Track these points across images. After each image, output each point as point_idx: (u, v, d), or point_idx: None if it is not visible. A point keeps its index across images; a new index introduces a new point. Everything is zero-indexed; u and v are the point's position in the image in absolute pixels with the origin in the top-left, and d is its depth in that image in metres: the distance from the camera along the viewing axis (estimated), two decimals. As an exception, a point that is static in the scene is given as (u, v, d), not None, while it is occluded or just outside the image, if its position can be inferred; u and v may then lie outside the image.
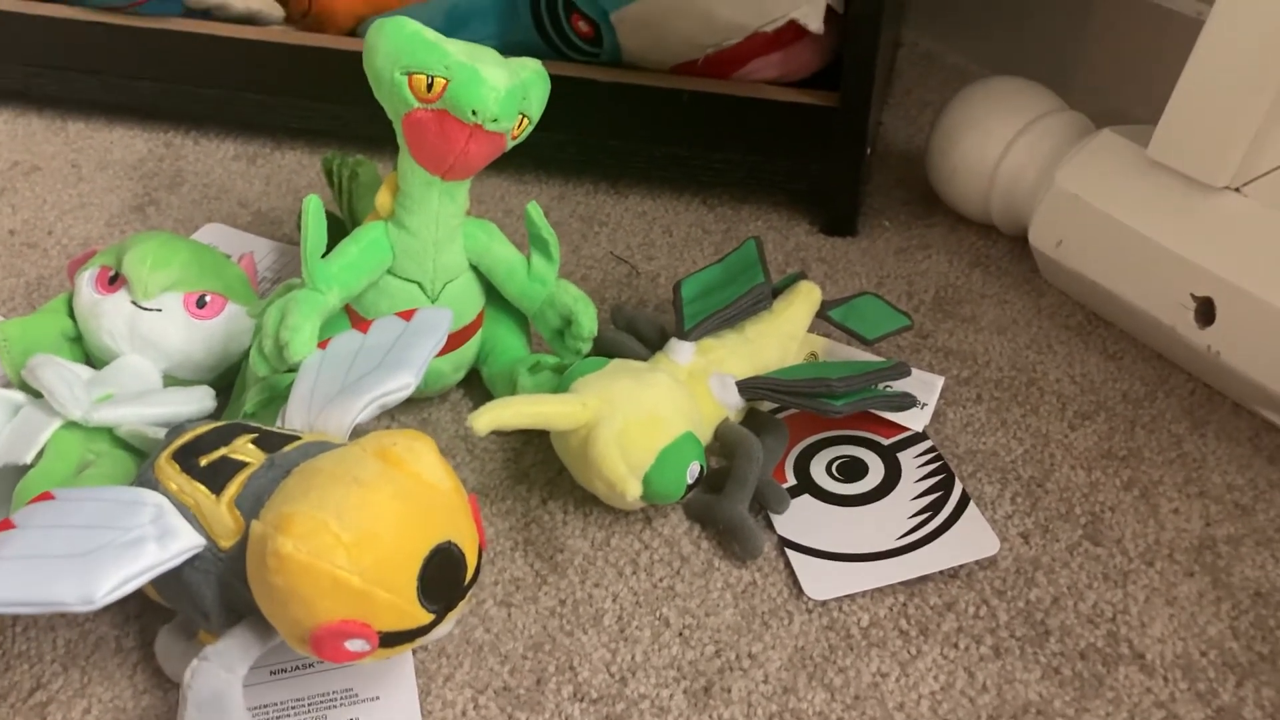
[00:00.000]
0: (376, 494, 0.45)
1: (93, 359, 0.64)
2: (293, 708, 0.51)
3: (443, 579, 0.46)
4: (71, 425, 0.57)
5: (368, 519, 0.44)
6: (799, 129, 0.82)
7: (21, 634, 0.54)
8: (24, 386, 0.60)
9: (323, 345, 0.57)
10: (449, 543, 0.46)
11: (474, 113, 0.57)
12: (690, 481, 0.58)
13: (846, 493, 0.62)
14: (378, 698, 0.52)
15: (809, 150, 0.82)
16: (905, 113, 1.03)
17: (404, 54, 0.58)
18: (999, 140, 0.79)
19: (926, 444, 0.65)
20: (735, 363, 0.64)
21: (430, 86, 0.57)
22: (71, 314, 0.64)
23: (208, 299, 0.63)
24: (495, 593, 0.57)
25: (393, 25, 0.58)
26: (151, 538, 0.47)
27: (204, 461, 0.50)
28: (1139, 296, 0.70)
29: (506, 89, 0.58)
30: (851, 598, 0.57)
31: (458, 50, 0.58)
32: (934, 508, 0.61)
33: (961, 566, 0.59)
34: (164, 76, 0.91)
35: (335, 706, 0.51)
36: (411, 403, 0.68)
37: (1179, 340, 0.69)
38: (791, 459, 0.65)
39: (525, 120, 0.61)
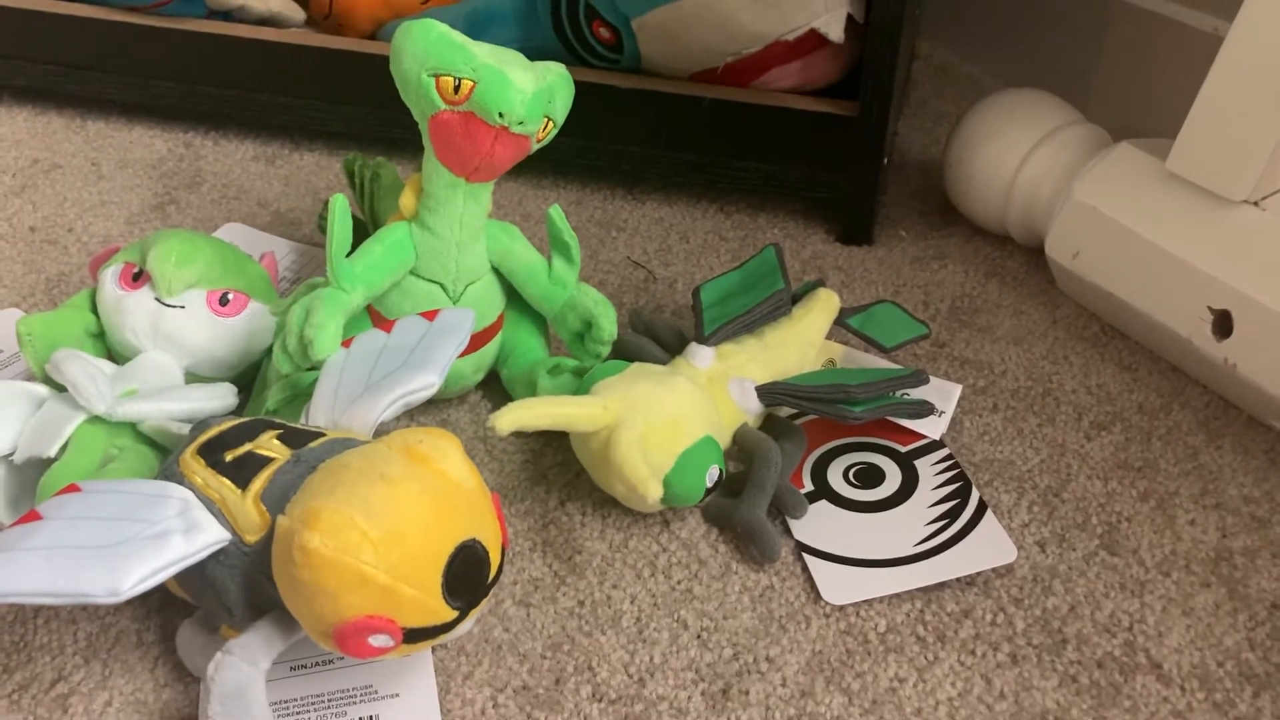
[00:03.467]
0: (403, 491, 0.45)
1: (115, 355, 0.64)
2: (313, 703, 0.51)
3: (467, 576, 0.47)
4: (95, 420, 0.57)
5: (394, 515, 0.45)
6: (817, 138, 0.82)
7: (43, 626, 0.55)
8: (47, 380, 0.61)
9: (346, 344, 0.58)
10: (473, 540, 0.47)
11: (500, 115, 0.58)
12: (709, 485, 0.59)
13: (864, 499, 0.63)
14: (397, 695, 0.52)
15: (827, 159, 0.82)
16: (921, 124, 1.03)
17: (431, 56, 0.58)
18: (1017, 151, 0.79)
19: (943, 452, 0.66)
20: (754, 368, 0.65)
21: (457, 88, 0.58)
22: (94, 310, 0.64)
23: (230, 297, 0.64)
24: (514, 592, 0.57)
25: (420, 28, 0.59)
26: (178, 531, 0.47)
27: (229, 456, 0.50)
28: (1156, 308, 0.71)
29: (533, 92, 0.58)
30: (869, 603, 0.57)
31: (484, 53, 0.58)
32: (951, 515, 0.61)
33: (978, 574, 0.59)
34: (184, 77, 0.92)
35: (355, 703, 0.51)
36: (431, 404, 0.68)
37: (1195, 352, 0.69)
38: (809, 465, 0.65)
39: (550, 123, 0.61)
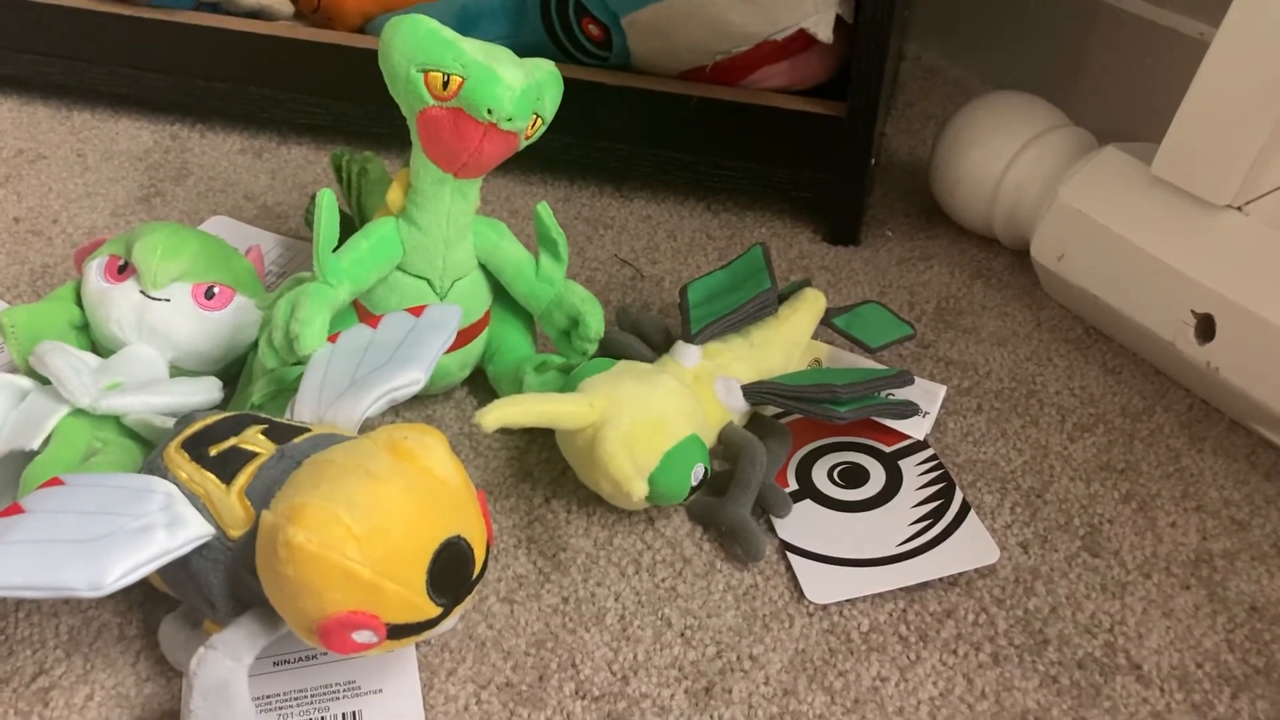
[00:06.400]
0: (388, 487, 0.45)
1: (99, 347, 0.64)
2: (295, 699, 0.51)
3: (451, 573, 0.47)
4: (78, 413, 0.57)
5: (379, 512, 0.45)
6: (805, 138, 0.82)
7: (24, 619, 0.54)
8: (31, 373, 0.60)
9: (332, 339, 0.58)
10: (458, 537, 0.47)
11: (489, 111, 0.58)
12: (694, 483, 0.59)
13: (848, 499, 0.63)
14: (380, 690, 0.52)
15: (814, 159, 0.83)
16: (908, 125, 1.03)
17: (420, 51, 0.58)
18: (1003, 154, 0.80)
19: (928, 452, 0.66)
20: (740, 367, 0.65)
21: (446, 84, 0.58)
22: (79, 302, 0.64)
23: (216, 290, 0.63)
24: (498, 589, 0.57)
25: (409, 23, 0.59)
26: (161, 525, 0.47)
27: (214, 451, 0.50)
28: (1139, 311, 0.71)
29: (522, 89, 0.58)
30: (852, 602, 0.57)
31: (474, 49, 0.58)
32: (934, 515, 0.62)
33: (961, 574, 0.59)
34: (172, 69, 0.91)
35: (338, 698, 0.51)
36: (416, 400, 0.68)
37: (1178, 356, 0.70)
38: (794, 464, 0.65)
39: (539, 120, 0.61)
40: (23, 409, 0.58)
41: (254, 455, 0.49)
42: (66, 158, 0.90)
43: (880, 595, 0.58)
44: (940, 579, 0.59)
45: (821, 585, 0.58)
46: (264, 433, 0.51)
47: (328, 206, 0.59)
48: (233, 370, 0.66)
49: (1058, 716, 0.52)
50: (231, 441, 0.50)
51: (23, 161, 0.89)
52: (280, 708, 0.51)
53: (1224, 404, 0.70)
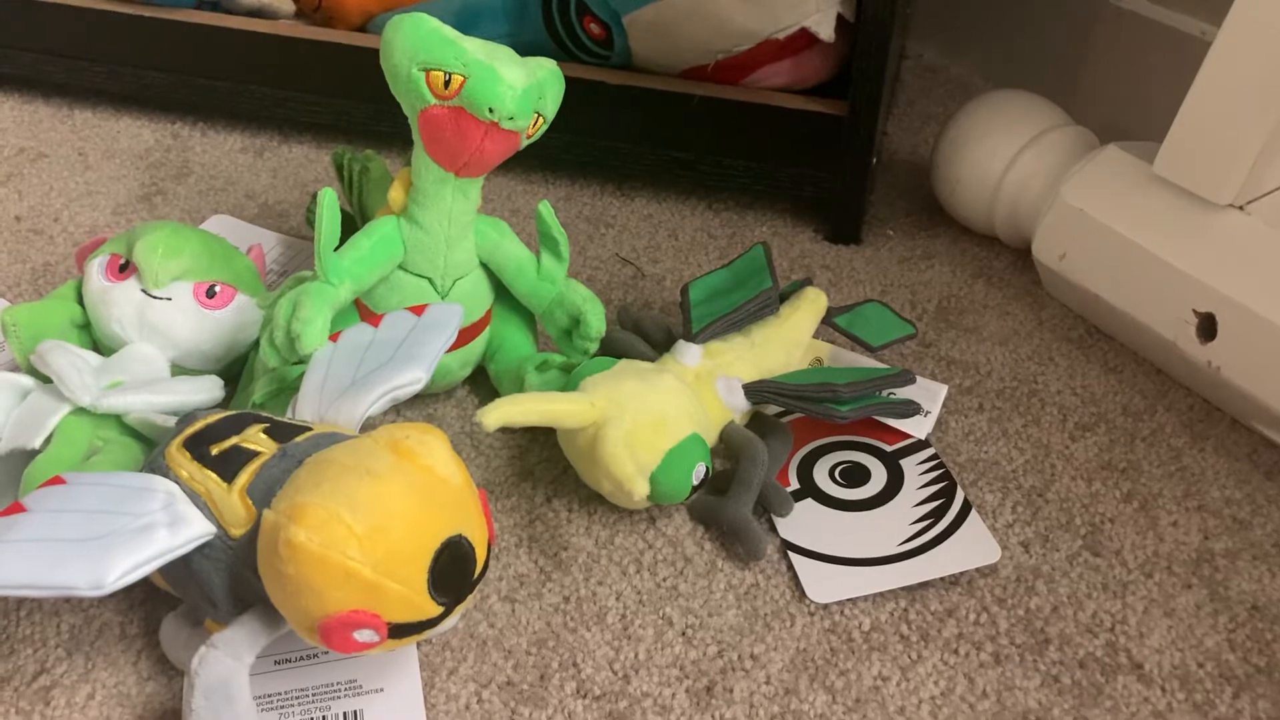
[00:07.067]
0: (389, 486, 0.45)
1: (100, 346, 0.64)
2: (297, 698, 0.51)
3: (452, 572, 0.47)
4: (80, 411, 0.57)
5: (380, 511, 0.45)
6: (807, 136, 0.82)
7: (26, 618, 0.54)
8: (32, 371, 0.60)
9: (334, 338, 0.58)
10: (459, 536, 0.47)
11: (490, 110, 0.58)
12: (695, 483, 0.59)
13: (849, 498, 0.63)
14: (382, 689, 0.52)
15: (816, 158, 0.83)
16: (909, 124, 1.03)
17: (422, 50, 0.58)
18: (1004, 153, 0.80)
19: (929, 451, 0.66)
20: (741, 366, 0.65)
21: (447, 83, 0.58)
22: (80, 300, 0.64)
23: (217, 289, 0.63)
24: (500, 588, 0.57)
25: (411, 21, 0.59)
26: (162, 524, 0.47)
27: (215, 450, 0.50)
28: (1141, 311, 0.71)
29: (523, 88, 0.58)
30: (853, 602, 0.57)
31: (475, 48, 0.58)
32: (936, 515, 0.62)
33: (962, 574, 0.59)
34: (173, 67, 0.91)
35: (339, 697, 0.51)
36: (418, 399, 0.68)
37: (1180, 355, 0.70)
38: (795, 463, 0.65)
39: (540, 119, 0.61)
40: (24, 408, 0.58)
41: (255, 454, 0.49)
42: (68, 156, 0.90)
43: (881, 594, 0.58)
44: (941, 578, 0.59)
45: (823, 584, 0.58)
46: (265, 431, 0.51)
47: (329, 205, 0.59)
48: (234, 369, 0.66)
49: (1059, 716, 0.52)
50: (233, 440, 0.50)
51: (24, 160, 0.89)
52: (281, 706, 0.51)
53: (1225, 403, 0.70)
